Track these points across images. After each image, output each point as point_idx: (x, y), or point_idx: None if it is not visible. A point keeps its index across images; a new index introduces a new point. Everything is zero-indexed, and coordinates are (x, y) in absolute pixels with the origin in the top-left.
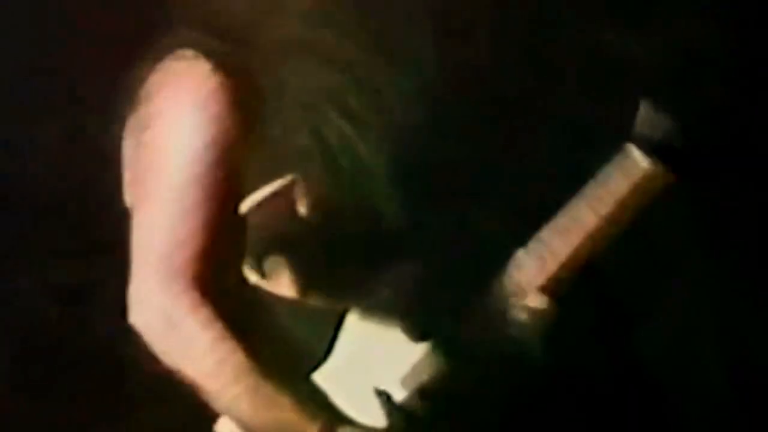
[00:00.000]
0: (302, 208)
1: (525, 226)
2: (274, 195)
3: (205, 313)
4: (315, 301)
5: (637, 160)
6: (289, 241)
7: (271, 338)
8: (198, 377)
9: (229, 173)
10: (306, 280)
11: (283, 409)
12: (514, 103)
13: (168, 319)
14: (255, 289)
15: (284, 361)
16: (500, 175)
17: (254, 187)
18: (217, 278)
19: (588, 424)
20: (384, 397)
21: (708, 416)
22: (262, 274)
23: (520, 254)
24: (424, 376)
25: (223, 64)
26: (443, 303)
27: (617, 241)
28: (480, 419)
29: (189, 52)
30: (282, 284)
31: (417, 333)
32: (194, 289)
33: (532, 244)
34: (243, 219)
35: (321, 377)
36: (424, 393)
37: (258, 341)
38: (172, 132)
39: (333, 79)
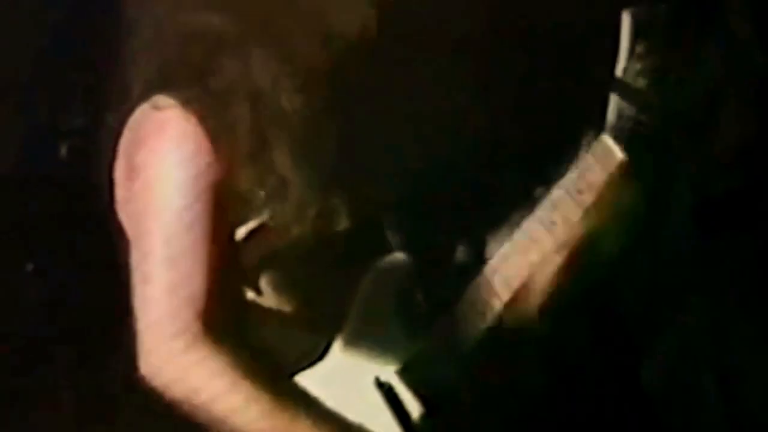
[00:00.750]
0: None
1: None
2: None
3: (214, 364)
4: (309, 313)
5: (613, 151)
6: (280, 259)
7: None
8: (213, 423)
9: (217, 211)
10: (300, 294)
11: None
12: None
13: (178, 373)
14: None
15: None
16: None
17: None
18: (221, 309)
19: None
20: (386, 387)
21: None
22: (258, 292)
23: (502, 250)
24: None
25: (194, 107)
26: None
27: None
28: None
29: (164, 100)
30: (277, 299)
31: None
32: (200, 339)
33: (515, 236)
34: (236, 246)
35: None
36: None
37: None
38: (159, 180)
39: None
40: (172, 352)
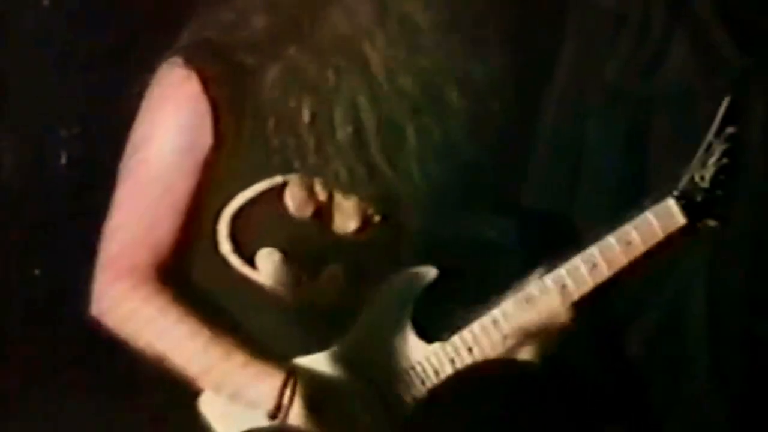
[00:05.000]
0: (292, 209)
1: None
2: (264, 193)
3: (160, 301)
4: (303, 295)
5: (677, 215)
6: (280, 237)
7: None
8: (166, 353)
9: (201, 178)
10: (297, 276)
11: (252, 366)
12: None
13: (124, 311)
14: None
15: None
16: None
17: (250, 181)
18: (176, 270)
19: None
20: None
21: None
22: (253, 266)
23: (544, 280)
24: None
25: (206, 69)
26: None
27: None
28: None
29: (178, 59)
30: (271, 277)
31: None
32: (148, 283)
33: (558, 272)
34: (201, 212)
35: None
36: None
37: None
38: (154, 134)
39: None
40: (123, 290)
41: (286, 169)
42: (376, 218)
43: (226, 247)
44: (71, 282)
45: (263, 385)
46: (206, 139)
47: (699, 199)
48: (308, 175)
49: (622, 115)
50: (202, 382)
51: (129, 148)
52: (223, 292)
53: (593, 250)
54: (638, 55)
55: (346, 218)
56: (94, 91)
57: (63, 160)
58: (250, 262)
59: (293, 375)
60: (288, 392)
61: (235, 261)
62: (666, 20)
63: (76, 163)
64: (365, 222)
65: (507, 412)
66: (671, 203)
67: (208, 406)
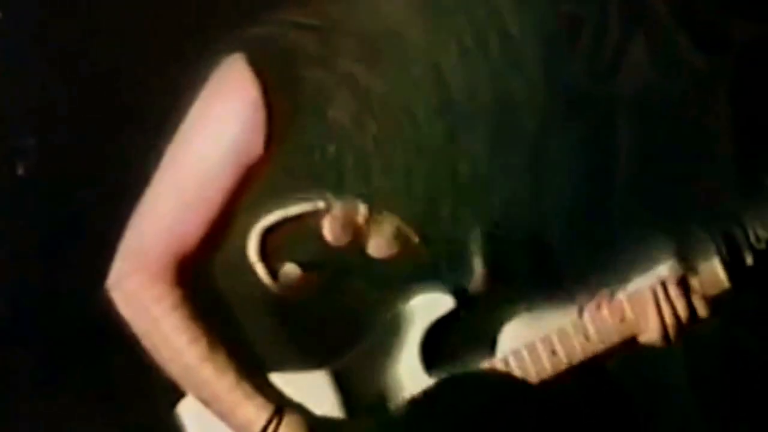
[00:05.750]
0: (328, 234)
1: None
2: (300, 216)
3: (168, 302)
4: (318, 309)
5: (721, 277)
6: (308, 254)
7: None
8: (164, 363)
9: (240, 185)
10: (316, 291)
11: (241, 393)
12: None
13: (135, 307)
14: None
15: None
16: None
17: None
18: (192, 274)
19: None
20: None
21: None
22: (275, 277)
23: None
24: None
25: (266, 71)
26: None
27: None
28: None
29: (239, 56)
30: (293, 290)
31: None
32: (162, 281)
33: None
34: (231, 221)
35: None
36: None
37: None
38: (203, 127)
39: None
40: (137, 285)
41: (338, 188)
42: (416, 242)
43: (253, 256)
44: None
45: (248, 414)
46: (255, 147)
47: (750, 261)
48: (362, 199)
49: (582, 123)
50: (193, 396)
51: (178, 133)
52: (237, 292)
53: None
54: (596, 57)
55: (385, 243)
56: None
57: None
58: (273, 273)
59: (279, 413)
60: (272, 428)
61: (260, 270)
62: (624, 22)
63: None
64: (404, 246)
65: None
66: (717, 263)
67: (188, 410)
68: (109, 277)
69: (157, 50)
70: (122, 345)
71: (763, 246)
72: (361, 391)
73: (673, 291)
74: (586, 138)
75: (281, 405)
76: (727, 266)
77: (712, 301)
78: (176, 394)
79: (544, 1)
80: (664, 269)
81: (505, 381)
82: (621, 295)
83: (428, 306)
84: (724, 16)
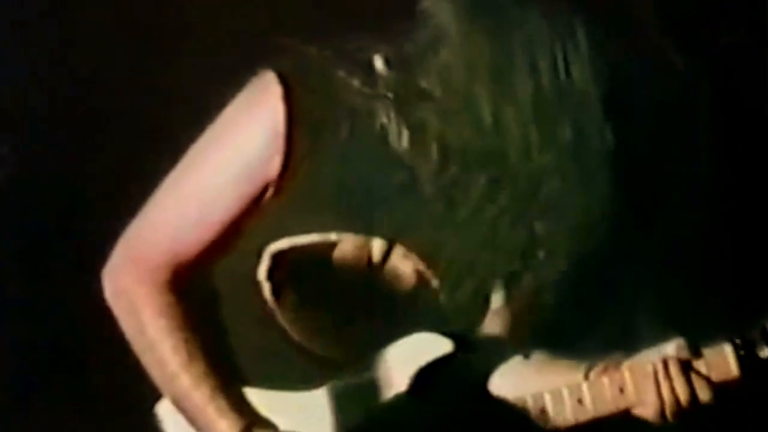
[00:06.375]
0: (339, 265)
1: None
2: (312, 245)
3: (156, 305)
4: (310, 342)
5: (731, 364)
6: (315, 282)
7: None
8: (144, 358)
9: (250, 205)
10: (312, 321)
11: (215, 406)
12: None
13: (125, 300)
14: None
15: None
16: None
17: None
18: (188, 282)
19: None
20: None
21: None
22: (276, 294)
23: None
24: None
25: (299, 90)
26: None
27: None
28: None
29: (270, 74)
30: (290, 311)
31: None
32: (154, 281)
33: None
34: (238, 235)
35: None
36: None
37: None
38: (225, 139)
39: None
40: (130, 281)
41: (363, 225)
42: (434, 283)
43: (261, 275)
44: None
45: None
46: (271, 170)
47: (763, 355)
48: (383, 236)
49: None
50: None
51: (202, 136)
52: (235, 303)
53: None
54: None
55: (399, 280)
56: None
57: None
58: (276, 293)
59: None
60: None
61: (266, 289)
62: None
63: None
64: (419, 284)
65: None
66: (728, 350)
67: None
68: (106, 265)
69: (137, 52)
70: (101, 353)
71: None
72: (347, 418)
73: (674, 369)
74: None
75: (252, 421)
76: (739, 355)
77: (720, 387)
78: (154, 400)
79: None
80: (671, 346)
81: None
82: (624, 366)
83: (425, 346)
84: (707, 18)
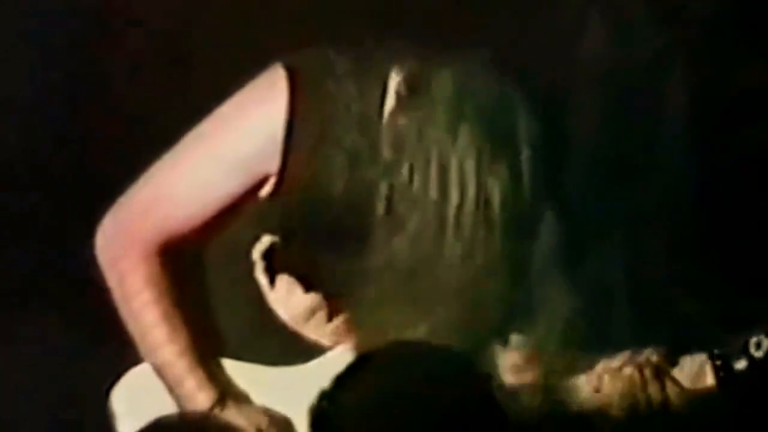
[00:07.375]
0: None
1: None
2: None
3: (144, 272)
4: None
5: (708, 375)
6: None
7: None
8: (129, 327)
9: (244, 194)
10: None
11: (194, 378)
12: None
13: (116, 273)
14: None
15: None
16: None
17: None
18: (178, 256)
19: None
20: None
21: None
22: (272, 281)
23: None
24: None
25: (304, 99)
26: None
27: None
28: None
29: (279, 67)
30: (282, 299)
31: None
32: (146, 255)
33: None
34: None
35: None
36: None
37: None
38: (227, 127)
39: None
40: (120, 248)
41: None
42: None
43: (257, 254)
44: None
45: (196, 399)
46: (271, 164)
47: (740, 367)
48: None
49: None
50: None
51: (208, 118)
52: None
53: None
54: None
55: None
56: None
57: None
58: (272, 280)
59: (222, 401)
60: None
61: (259, 266)
62: None
63: None
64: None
65: None
66: (705, 360)
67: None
68: (97, 233)
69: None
70: None
71: (761, 355)
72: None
73: (649, 373)
74: None
75: (227, 392)
76: (716, 366)
77: (695, 396)
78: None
79: None
80: (649, 351)
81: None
82: (599, 367)
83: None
84: None
